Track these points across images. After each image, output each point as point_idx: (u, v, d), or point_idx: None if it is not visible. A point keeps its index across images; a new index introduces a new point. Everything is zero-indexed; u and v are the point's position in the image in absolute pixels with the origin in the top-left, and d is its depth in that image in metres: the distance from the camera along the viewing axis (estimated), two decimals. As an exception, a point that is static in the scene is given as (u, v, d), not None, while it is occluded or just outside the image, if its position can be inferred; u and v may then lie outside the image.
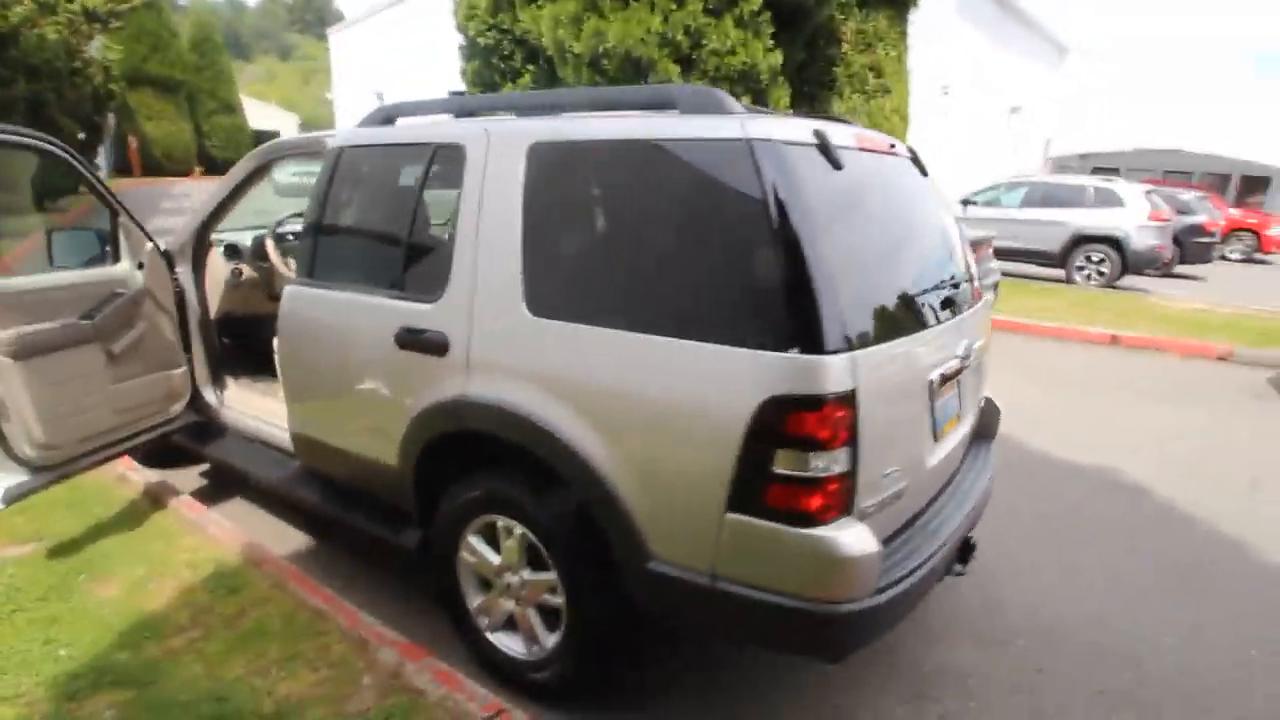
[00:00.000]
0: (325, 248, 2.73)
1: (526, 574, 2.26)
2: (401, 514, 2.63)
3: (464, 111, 2.63)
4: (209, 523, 3.13)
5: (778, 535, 1.75)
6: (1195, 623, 2.83)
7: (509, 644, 2.38)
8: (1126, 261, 11.22)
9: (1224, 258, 17.04)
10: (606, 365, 1.94)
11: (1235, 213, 18.63)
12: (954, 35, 18.00)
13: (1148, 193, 11.70)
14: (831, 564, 1.74)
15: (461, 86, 20.11)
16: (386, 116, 2.76)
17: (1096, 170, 21.77)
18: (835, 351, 1.70)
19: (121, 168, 20.22)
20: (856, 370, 1.73)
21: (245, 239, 3.91)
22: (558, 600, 2.19)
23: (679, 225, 1.93)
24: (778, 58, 11.38)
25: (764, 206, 1.76)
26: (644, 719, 2.29)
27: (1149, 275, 11.98)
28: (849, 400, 1.72)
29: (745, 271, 1.79)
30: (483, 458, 2.33)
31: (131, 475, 3.57)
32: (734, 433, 1.74)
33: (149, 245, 3.19)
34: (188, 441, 3.50)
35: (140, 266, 3.17)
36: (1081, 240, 11.56)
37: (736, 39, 10.86)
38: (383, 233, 2.64)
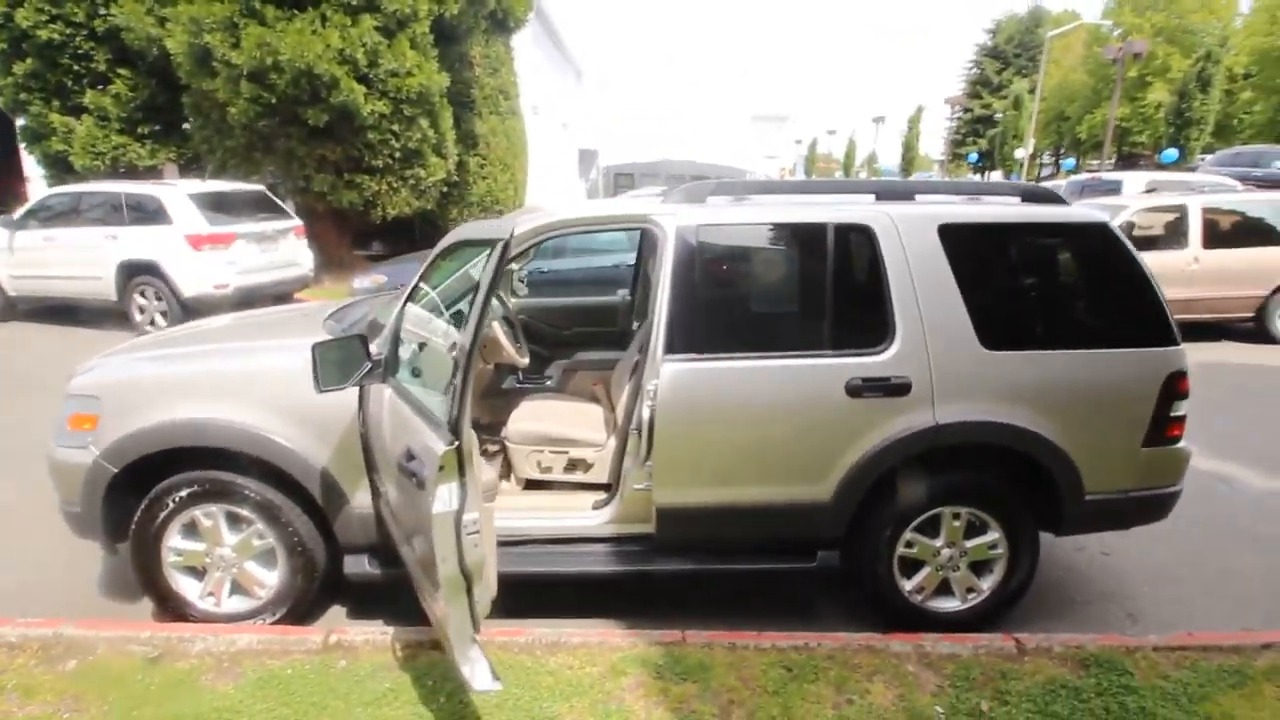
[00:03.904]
0: (710, 322, 2.84)
1: (968, 543, 3.01)
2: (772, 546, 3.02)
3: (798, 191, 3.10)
4: (551, 636, 2.82)
5: (1170, 453, 3.00)
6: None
7: (942, 605, 3.09)
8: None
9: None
10: (1058, 371, 2.88)
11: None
12: (530, 61, 19.96)
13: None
14: (1186, 461, 3.06)
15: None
16: (699, 193, 3.00)
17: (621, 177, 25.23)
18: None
19: None
20: None
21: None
22: (997, 552, 3.02)
23: (1083, 276, 2.97)
24: (446, 79, 11.58)
25: (1137, 261, 2.92)
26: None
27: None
28: None
29: (1141, 300, 2.93)
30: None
31: (313, 636, 2.84)
32: (1152, 397, 2.91)
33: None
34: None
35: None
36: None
37: (413, 61, 10.75)
38: (796, 301, 2.94)
